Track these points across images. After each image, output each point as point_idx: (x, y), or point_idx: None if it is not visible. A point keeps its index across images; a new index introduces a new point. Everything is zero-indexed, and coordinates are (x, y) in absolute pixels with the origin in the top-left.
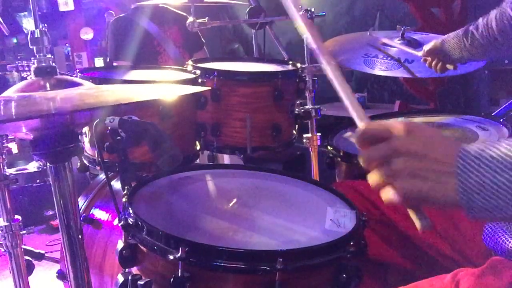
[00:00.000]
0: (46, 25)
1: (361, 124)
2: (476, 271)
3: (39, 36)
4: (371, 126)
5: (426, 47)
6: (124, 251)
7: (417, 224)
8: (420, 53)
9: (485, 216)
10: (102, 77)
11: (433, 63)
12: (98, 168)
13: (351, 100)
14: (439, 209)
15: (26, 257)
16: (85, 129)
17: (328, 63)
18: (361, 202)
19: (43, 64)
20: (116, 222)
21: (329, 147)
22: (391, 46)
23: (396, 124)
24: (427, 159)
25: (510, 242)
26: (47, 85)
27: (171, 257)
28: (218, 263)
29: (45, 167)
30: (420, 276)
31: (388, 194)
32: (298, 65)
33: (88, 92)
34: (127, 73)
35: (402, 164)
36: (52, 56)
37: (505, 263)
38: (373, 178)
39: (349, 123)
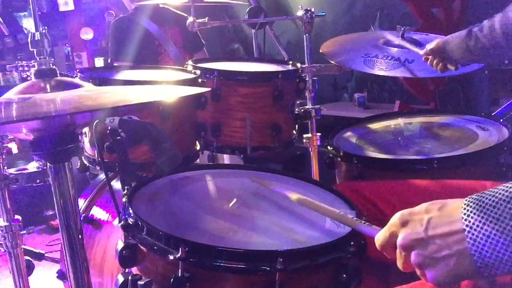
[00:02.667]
0: (46, 27)
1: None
2: None
3: (39, 38)
4: (378, 239)
5: (429, 46)
6: (124, 251)
7: None
8: (421, 51)
9: (503, 270)
10: (102, 77)
11: (434, 62)
12: (98, 168)
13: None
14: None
15: (26, 257)
16: (85, 129)
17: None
18: (361, 203)
19: (43, 67)
20: (116, 222)
21: (329, 147)
22: (393, 45)
23: (393, 222)
24: (433, 239)
25: None
26: (47, 87)
27: (171, 257)
28: (218, 263)
29: (45, 167)
30: None
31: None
32: (298, 65)
33: (88, 94)
34: (127, 73)
35: (417, 257)
36: (53, 59)
37: None
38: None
39: (349, 123)
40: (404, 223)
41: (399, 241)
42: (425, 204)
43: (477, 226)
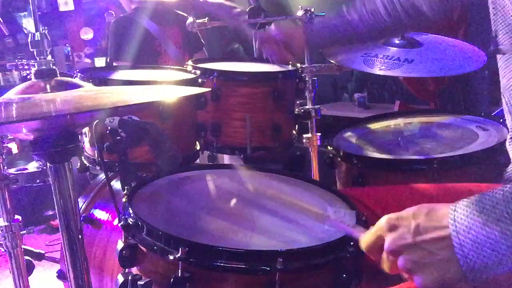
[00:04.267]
0: (46, 28)
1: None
2: None
3: (39, 38)
4: (364, 242)
5: (278, 26)
6: (124, 251)
7: None
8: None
9: (488, 274)
10: (102, 77)
11: (273, 52)
12: (98, 168)
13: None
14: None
15: (26, 257)
16: (85, 129)
17: None
18: (361, 210)
19: (44, 67)
20: (116, 222)
21: (329, 147)
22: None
23: (380, 225)
24: (421, 245)
25: None
26: (47, 87)
27: (171, 257)
28: (218, 263)
29: (45, 167)
30: None
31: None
32: (298, 65)
33: (87, 94)
34: (127, 73)
35: (404, 263)
36: (53, 59)
37: None
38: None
39: (349, 123)
40: (391, 228)
41: (386, 246)
42: (412, 209)
43: (463, 231)
